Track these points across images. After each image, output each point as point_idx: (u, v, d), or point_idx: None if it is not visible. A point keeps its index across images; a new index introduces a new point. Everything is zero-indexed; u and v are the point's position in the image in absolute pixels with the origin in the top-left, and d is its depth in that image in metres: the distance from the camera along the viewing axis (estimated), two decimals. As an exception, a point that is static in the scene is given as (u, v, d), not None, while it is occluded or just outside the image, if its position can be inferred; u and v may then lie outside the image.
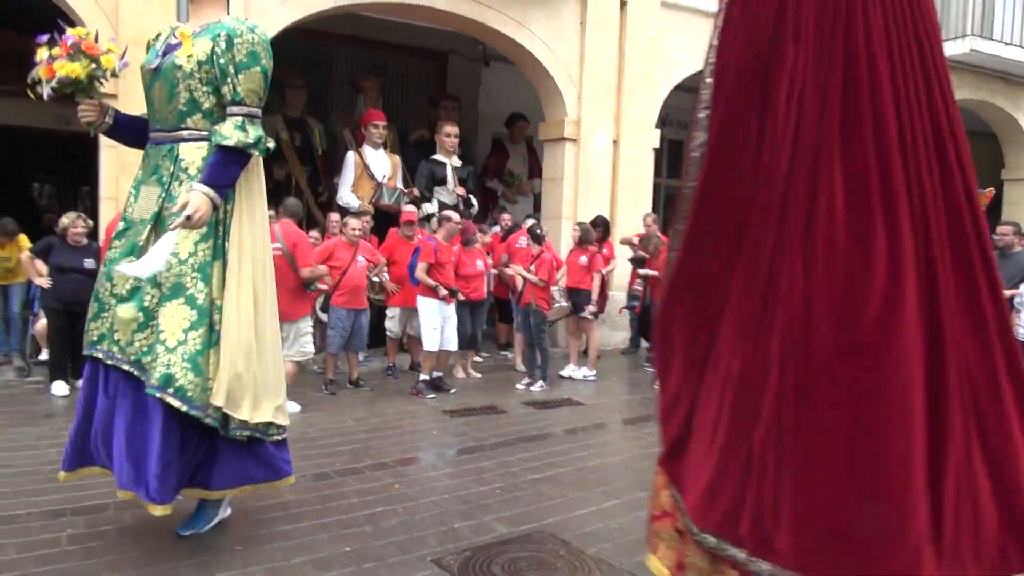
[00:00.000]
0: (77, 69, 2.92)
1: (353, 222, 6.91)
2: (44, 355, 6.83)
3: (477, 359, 8.34)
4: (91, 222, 6.61)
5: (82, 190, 13.67)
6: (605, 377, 7.92)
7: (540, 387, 7.15)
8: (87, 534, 3.36)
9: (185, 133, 3.07)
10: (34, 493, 3.84)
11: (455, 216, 7.39)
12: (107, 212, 6.99)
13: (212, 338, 3.01)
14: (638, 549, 3.11)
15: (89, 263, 6.23)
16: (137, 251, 3.03)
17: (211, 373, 2.99)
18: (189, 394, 2.93)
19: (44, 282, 6.26)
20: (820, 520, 1.77)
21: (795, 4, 1.88)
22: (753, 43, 1.94)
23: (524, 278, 7.38)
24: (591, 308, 7.70)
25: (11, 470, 4.23)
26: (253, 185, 3.23)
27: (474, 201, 9.13)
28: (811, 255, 1.82)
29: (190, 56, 3.01)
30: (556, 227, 9.33)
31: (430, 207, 8.64)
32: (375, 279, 7.32)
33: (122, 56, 3.12)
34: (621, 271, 9.10)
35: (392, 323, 7.69)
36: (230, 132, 3.00)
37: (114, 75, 3.12)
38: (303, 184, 9.37)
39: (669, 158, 11.99)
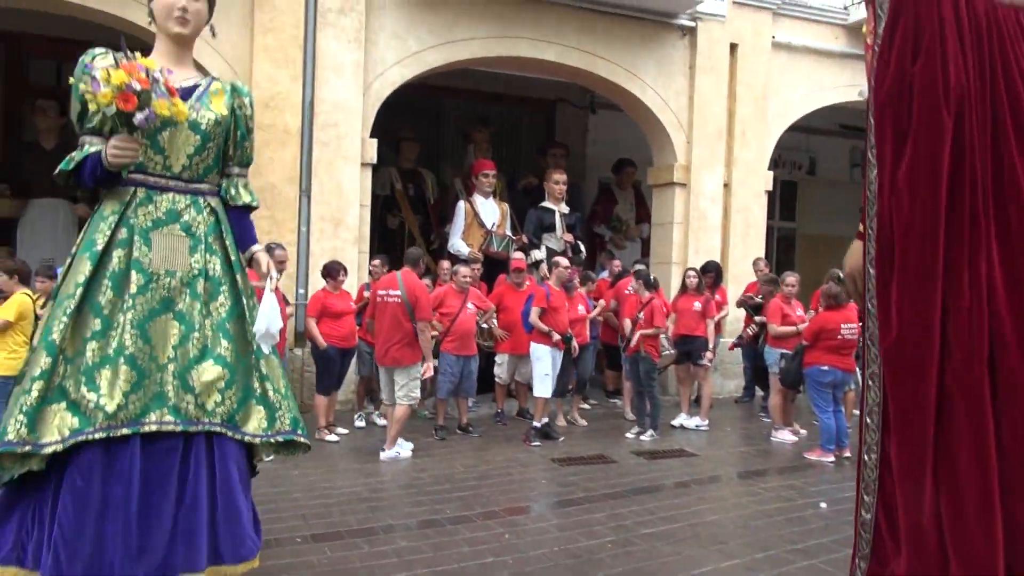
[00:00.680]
0: (165, 106, 2.54)
1: (463, 270, 7.05)
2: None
3: (585, 406, 8.27)
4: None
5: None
6: (718, 427, 7.66)
7: (650, 436, 6.99)
8: None
9: (206, 187, 2.90)
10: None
11: (564, 261, 7.42)
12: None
13: None
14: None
15: None
16: (172, 307, 2.71)
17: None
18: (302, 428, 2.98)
19: None
20: None
21: (941, 35, 1.90)
22: (904, 75, 1.94)
23: (632, 326, 7.28)
24: (708, 355, 7.51)
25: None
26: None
27: (582, 247, 9.16)
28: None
29: (223, 113, 2.89)
30: (665, 272, 9.21)
31: (538, 254, 8.72)
32: (484, 325, 7.42)
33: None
34: (733, 317, 8.86)
35: (501, 369, 7.74)
36: (252, 195, 3.04)
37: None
38: (415, 232, 9.68)
39: (782, 200, 11.67)
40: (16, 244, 8.14)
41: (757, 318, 7.99)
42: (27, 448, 2.42)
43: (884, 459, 2.05)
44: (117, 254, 2.65)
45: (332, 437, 6.53)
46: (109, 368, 2.54)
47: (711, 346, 7.61)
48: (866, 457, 2.10)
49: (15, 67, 9.28)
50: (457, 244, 8.84)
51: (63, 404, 2.51)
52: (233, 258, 2.88)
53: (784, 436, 7.09)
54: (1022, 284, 1.86)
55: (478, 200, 9.00)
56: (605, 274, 9.45)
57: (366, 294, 7.30)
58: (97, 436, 2.47)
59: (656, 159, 9.68)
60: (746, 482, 5.76)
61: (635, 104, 9.30)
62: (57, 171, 2.71)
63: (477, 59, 8.53)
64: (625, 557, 3.94)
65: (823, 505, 4.99)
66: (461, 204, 9.03)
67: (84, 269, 2.61)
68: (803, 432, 7.27)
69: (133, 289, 2.64)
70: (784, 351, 7.02)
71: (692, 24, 9.21)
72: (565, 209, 9.14)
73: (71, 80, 2.66)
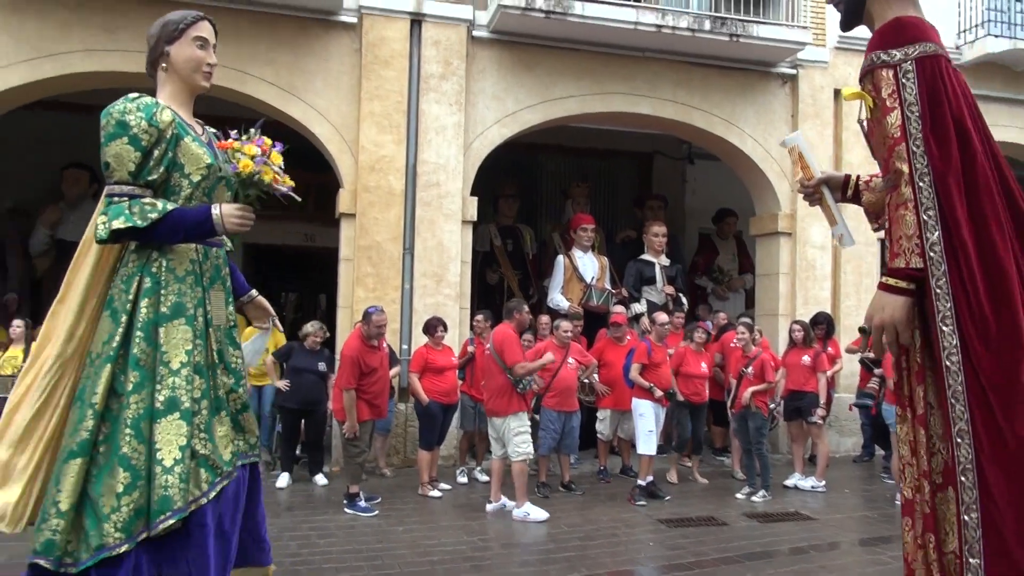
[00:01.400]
0: (288, 180, 2.72)
1: (565, 324, 7.02)
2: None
3: (688, 463, 7.96)
4: (327, 332, 7.32)
5: (320, 298, 15.20)
6: (835, 488, 7.22)
7: (762, 497, 6.66)
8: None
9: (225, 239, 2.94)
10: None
11: (663, 317, 7.28)
12: (343, 319, 7.68)
13: None
14: None
15: (322, 366, 6.95)
16: (224, 359, 2.82)
17: None
18: None
19: (283, 384, 6.98)
20: None
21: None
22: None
23: (738, 381, 7.02)
24: (820, 412, 7.14)
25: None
26: None
27: (684, 299, 8.97)
28: None
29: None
30: (772, 325, 8.89)
31: (639, 307, 8.60)
32: (585, 380, 7.33)
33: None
34: (848, 371, 8.42)
35: (603, 425, 7.60)
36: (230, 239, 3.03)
37: None
38: (515, 287, 9.75)
39: (896, 247, 11.12)
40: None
41: (876, 371, 7.55)
42: (191, 508, 2.55)
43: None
44: (200, 313, 2.70)
45: (435, 493, 6.54)
46: (216, 422, 2.72)
47: (822, 401, 7.22)
48: (966, 518, 2.05)
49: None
50: (557, 298, 8.84)
51: (195, 462, 2.62)
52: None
53: (910, 499, 6.59)
54: None
55: (577, 254, 9.00)
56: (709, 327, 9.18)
57: (470, 349, 7.37)
58: (223, 485, 2.67)
59: (758, 208, 9.45)
60: (870, 549, 5.37)
61: (734, 154, 9.15)
62: (120, 228, 2.50)
63: (573, 116, 8.64)
64: (742, 629, 3.72)
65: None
66: (560, 258, 9.06)
67: (187, 336, 2.63)
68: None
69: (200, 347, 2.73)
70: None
71: (793, 71, 9.06)
72: (665, 261, 9.02)
73: (110, 122, 2.54)
